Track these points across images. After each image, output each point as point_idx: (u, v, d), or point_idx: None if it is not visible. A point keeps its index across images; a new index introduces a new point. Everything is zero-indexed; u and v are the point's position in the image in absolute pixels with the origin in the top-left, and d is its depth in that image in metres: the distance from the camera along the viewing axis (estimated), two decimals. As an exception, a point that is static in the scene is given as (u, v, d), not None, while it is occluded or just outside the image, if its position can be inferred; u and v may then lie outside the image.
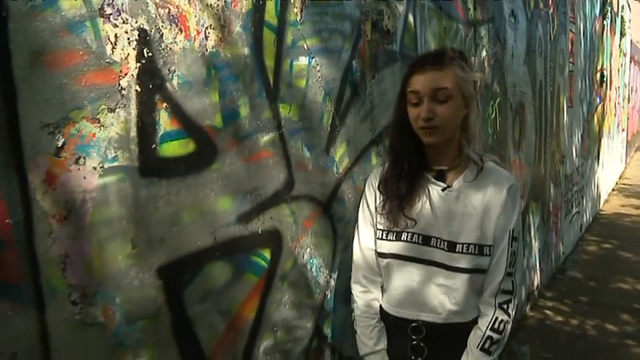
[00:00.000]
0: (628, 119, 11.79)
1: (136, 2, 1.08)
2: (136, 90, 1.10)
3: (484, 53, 2.99)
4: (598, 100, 7.35)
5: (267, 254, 1.47)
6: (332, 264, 1.75)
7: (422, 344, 1.52)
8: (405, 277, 1.52)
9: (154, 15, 1.12)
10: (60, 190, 0.98)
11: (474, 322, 1.53)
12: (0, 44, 0.88)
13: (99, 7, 1.02)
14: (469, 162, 1.50)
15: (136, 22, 1.09)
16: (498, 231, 1.47)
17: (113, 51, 1.05)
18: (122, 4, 1.06)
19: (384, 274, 1.58)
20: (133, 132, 1.09)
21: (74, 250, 1.00)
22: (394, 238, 1.52)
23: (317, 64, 1.62)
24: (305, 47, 1.57)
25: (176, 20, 1.17)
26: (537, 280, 4.46)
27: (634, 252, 5.86)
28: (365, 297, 1.61)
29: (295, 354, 1.61)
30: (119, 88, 1.06)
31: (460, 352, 1.52)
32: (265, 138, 1.44)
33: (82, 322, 1.03)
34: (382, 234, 1.55)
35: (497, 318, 1.47)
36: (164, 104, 1.16)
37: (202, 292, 1.27)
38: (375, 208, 1.57)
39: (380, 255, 1.56)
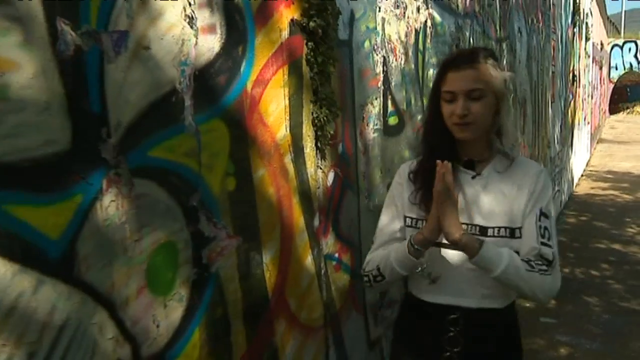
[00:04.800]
0: (592, 113, 13.22)
1: (382, 41, 2.06)
2: (382, 88, 2.07)
3: (504, 61, 4.04)
4: (571, 96, 8.58)
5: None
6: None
7: (458, 336, 1.47)
8: (438, 263, 1.48)
9: (387, 48, 2.10)
10: (363, 137, 1.95)
11: (510, 308, 1.52)
12: (349, 70, 1.84)
13: (373, 46, 1.99)
14: (498, 154, 1.50)
15: (382, 53, 2.06)
16: (527, 212, 1.45)
17: (376, 68, 2.02)
18: (379, 42, 2.03)
19: None
20: (381, 110, 2.07)
21: (368, 169, 1.98)
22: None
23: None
24: (432, 62, 2.57)
25: (393, 50, 2.15)
26: (534, 240, 5.56)
27: (606, 222, 7.05)
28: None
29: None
30: (378, 87, 2.04)
31: (494, 344, 1.49)
32: (419, 117, 2.43)
33: (367, 209, 2.00)
34: (412, 222, 1.53)
35: (539, 255, 1.41)
36: (389, 96, 2.14)
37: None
38: (407, 198, 1.53)
39: None
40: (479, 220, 1.46)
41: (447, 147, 1.48)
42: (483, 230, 1.45)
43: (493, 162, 1.49)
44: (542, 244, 1.42)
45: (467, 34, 3.09)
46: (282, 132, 1.50)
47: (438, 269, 1.49)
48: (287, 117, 1.52)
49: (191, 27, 1.18)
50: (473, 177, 1.49)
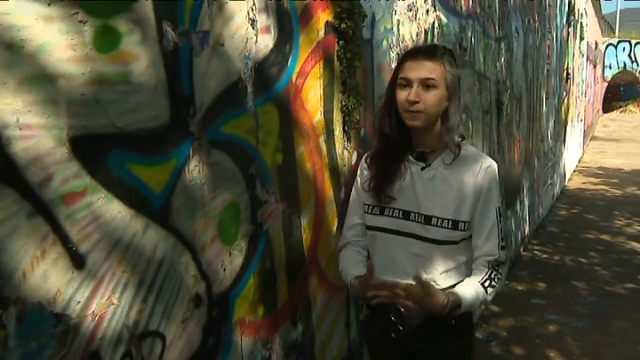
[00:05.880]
0: (585, 111, 13.55)
1: (397, 40, 2.33)
2: (397, 82, 2.35)
3: (502, 59, 4.32)
4: (564, 94, 8.89)
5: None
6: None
7: (401, 308, 1.56)
8: (387, 248, 1.63)
9: (401, 47, 2.37)
10: (380, 125, 2.23)
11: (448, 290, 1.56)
12: (370, 65, 2.11)
13: (389, 44, 2.27)
14: (447, 148, 1.59)
15: (397, 50, 2.34)
16: (480, 208, 1.56)
17: (392, 64, 2.30)
18: (394, 41, 2.31)
19: (370, 245, 1.71)
20: (395, 101, 2.35)
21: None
22: (377, 212, 1.64)
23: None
24: (439, 59, 2.85)
25: (406, 48, 2.42)
26: (527, 230, 5.86)
27: (595, 214, 7.38)
28: (353, 248, 1.76)
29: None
30: (393, 81, 2.32)
31: (434, 318, 1.55)
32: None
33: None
34: (368, 209, 1.67)
35: (490, 275, 1.57)
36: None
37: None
38: (363, 186, 1.68)
39: (367, 227, 1.69)
40: (424, 210, 1.57)
41: (400, 135, 1.59)
42: (427, 219, 1.57)
43: (443, 154, 1.59)
44: (502, 248, 1.59)
45: (469, 33, 3.37)
46: (317, 116, 1.77)
47: (389, 255, 1.64)
48: (322, 104, 1.79)
49: (253, 28, 1.45)
50: (422, 169, 1.59)
